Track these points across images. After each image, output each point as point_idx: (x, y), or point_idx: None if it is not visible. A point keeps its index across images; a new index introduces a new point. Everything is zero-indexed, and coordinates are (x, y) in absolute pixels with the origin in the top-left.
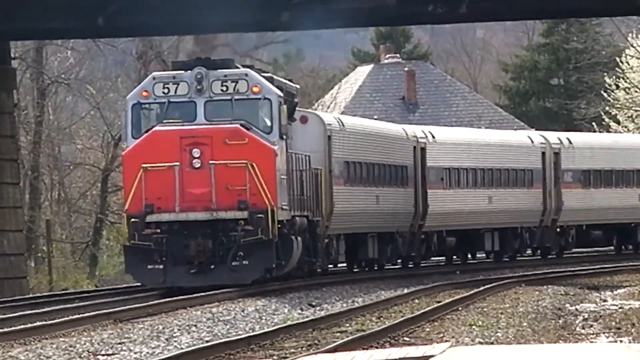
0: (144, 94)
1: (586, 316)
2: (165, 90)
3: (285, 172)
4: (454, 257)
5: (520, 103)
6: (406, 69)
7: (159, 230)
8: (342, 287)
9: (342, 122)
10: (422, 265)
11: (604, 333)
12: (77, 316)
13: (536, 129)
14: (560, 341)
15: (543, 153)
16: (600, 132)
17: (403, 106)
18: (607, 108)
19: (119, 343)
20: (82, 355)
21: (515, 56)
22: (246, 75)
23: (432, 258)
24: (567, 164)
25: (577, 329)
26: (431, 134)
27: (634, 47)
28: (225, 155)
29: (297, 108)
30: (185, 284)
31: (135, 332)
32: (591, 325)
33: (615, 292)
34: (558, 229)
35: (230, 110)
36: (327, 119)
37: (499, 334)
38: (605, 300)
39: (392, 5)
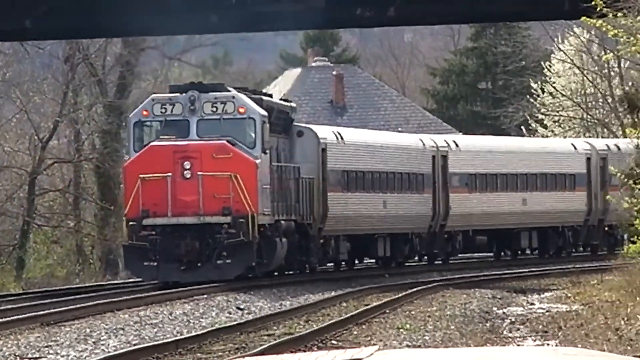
0: (144, 113)
1: (513, 319)
2: (163, 110)
3: (269, 182)
4: (488, 252)
5: (448, 107)
6: (334, 72)
7: (153, 232)
8: (270, 290)
9: (340, 135)
10: (450, 261)
11: (531, 336)
12: (4, 319)
13: (464, 133)
14: (488, 344)
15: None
16: (528, 137)
17: (331, 109)
18: (534, 112)
19: (46, 346)
20: (9, 359)
21: (443, 60)
22: (233, 97)
23: (460, 255)
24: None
25: (505, 332)
26: (455, 142)
27: (561, 49)
28: (213, 167)
29: (294, 123)
30: (176, 279)
31: (62, 336)
32: (518, 329)
33: (542, 296)
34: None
35: (219, 128)
36: (321, 134)
37: (427, 337)
38: (532, 304)
39: (320, 8)
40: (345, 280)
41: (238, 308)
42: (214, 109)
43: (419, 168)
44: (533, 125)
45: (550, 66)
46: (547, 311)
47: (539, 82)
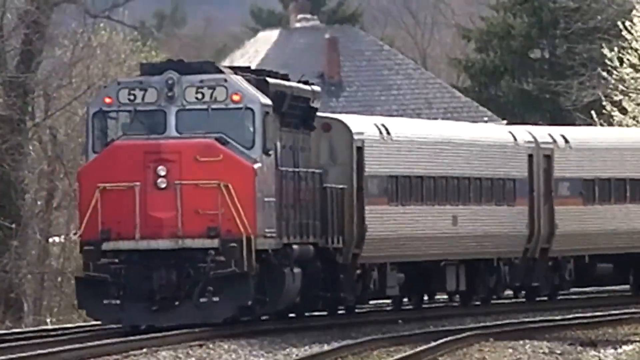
0: (107, 100)
1: None
2: (131, 97)
3: (274, 193)
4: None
5: (488, 84)
6: (327, 36)
7: (116, 260)
8: (238, 342)
9: (386, 128)
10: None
11: None
12: None
13: (508, 122)
14: None
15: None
16: (601, 124)
17: (322, 87)
18: (608, 91)
19: None
20: None
21: (480, 18)
22: (225, 80)
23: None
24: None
25: None
26: (563, 137)
27: None
28: (196, 174)
29: (318, 114)
30: (145, 322)
31: None
32: None
33: (619, 350)
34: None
35: (206, 122)
36: (356, 127)
37: None
38: None
39: None
40: (340, 328)
41: None
42: (200, 96)
43: (507, 171)
44: (608, 108)
45: (631, 27)
46: None
47: (616, 50)
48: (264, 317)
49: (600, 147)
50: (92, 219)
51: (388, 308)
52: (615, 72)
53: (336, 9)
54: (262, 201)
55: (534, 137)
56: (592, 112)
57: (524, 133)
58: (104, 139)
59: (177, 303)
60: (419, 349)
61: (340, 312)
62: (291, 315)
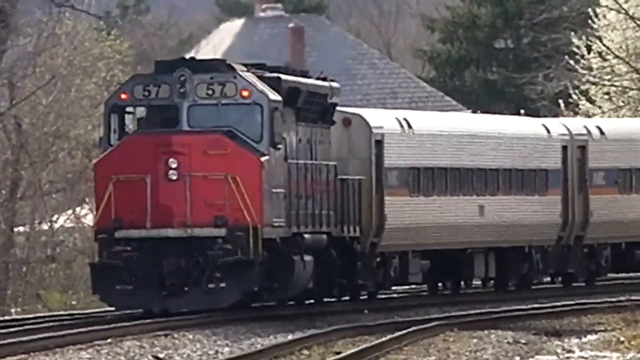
0: (123, 96)
1: None
2: (146, 93)
3: (283, 185)
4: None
5: (452, 74)
6: (291, 25)
7: (128, 248)
8: (202, 332)
9: (408, 122)
10: (596, 283)
11: None
12: None
13: (473, 110)
14: None
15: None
16: (568, 114)
17: None
18: (576, 80)
19: None
20: None
21: (445, 8)
22: (235, 77)
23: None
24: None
25: None
26: (599, 128)
27: None
28: (205, 166)
29: (338, 109)
30: (156, 307)
31: None
32: None
33: (583, 340)
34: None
35: (217, 116)
36: (375, 121)
37: None
38: (570, 351)
39: None
40: (306, 318)
41: (156, 357)
42: (210, 92)
43: (539, 163)
44: (575, 97)
45: (600, 15)
46: None
47: (584, 38)
48: (271, 303)
49: (636, 137)
50: (105, 209)
51: (425, 293)
52: (582, 60)
53: None
54: (269, 192)
55: (568, 129)
56: (560, 101)
57: (558, 126)
58: (119, 133)
59: (186, 289)
60: (383, 339)
61: (362, 298)
62: (310, 301)
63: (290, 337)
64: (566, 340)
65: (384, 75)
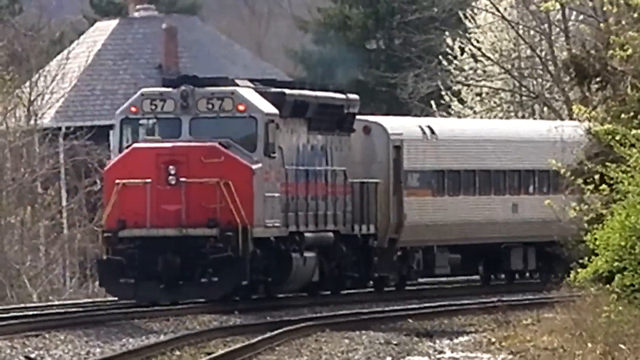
0: (133, 109)
1: None
2: (153, 107)
3: (279, 189)
4: None
5: (324, 75)
6: (164, 25)
7: (131, 246)
8: (74, 332)
9: (431, 129)
10: None
11: None
12: None
13: None
14: None
15: None
16: (440, 114)
17: (160, 77)
18: (449, 81)
19: None
20: None
21: (316, 9)
22: (232, 93)
23: None
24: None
25: None
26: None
27: None
28: (201, 173)
29: (359, 117)
30: (155, 299)
31: None
32: None
33: (455, 341)
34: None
35: (215, 128)
36: (393, 128)
37: None
38: (441, 352)
39: None
40: (180, 319)
41: (27, 358)
42: (210, 106)
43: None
44: (447, 98)
45: (472, 17)
46: None
47: (457, 39)
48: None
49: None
50: (112, 211)
51: (478, 284)
52: (455, 61)
53: None
54: (261, 196)
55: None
56: (432, 102)
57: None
58: (129, 142)
59: (181, 282)
60: (255, 339)
61: (387, 289)
62: (325, 292)
63: (162, 337)
64: (438, 341)
65: (256, 76)
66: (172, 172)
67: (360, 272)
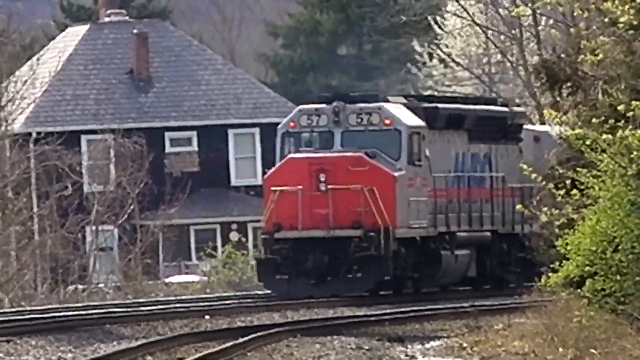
0: (291, 124)
1: None
2: (309, 122)
3: (425, 194)
4: None
5: (295, 80)
6: (135, 30)
7: (286, 246)
8: (46, 338)
9: None
10: None
11: None
12: None
13: None
14: None
15: None
16: None
17: (131, 83)
18: (419, 86)
19: None
20: None
21: (287, 15)
22: (379, 108)
23: None
24: None
25: None
26: None
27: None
28: (348, 180)
29: (527, 127)
30: (306, 294)
31: None
32: None
33: (427, 346)
34: None
35: (363, 140)
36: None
37: None
38: (413, 357)
39: None
40: (150, 325)
41: None
42: (359, 120)
43: None
44: None
45: (442, 23)
46: None
47: (426, 45)
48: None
49: None
50: (270, 215)
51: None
52: (424, 67)
53: (147, 3)
54: (405, 200)
55: None
56: None
57: None
58: (288, 153)
59: (329, 278)
60: (226, 345)
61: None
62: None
63: (133, 342)
64: (409, 346)
65: (227, 81)
66: (322, 179)
67: (523, 269)
